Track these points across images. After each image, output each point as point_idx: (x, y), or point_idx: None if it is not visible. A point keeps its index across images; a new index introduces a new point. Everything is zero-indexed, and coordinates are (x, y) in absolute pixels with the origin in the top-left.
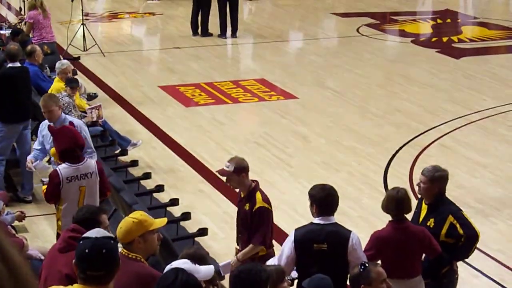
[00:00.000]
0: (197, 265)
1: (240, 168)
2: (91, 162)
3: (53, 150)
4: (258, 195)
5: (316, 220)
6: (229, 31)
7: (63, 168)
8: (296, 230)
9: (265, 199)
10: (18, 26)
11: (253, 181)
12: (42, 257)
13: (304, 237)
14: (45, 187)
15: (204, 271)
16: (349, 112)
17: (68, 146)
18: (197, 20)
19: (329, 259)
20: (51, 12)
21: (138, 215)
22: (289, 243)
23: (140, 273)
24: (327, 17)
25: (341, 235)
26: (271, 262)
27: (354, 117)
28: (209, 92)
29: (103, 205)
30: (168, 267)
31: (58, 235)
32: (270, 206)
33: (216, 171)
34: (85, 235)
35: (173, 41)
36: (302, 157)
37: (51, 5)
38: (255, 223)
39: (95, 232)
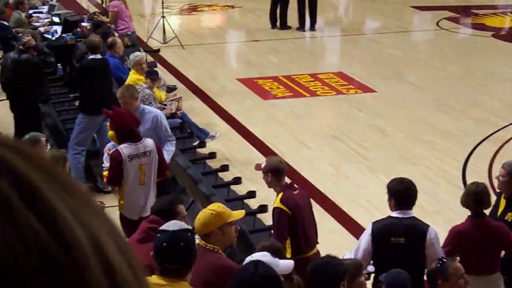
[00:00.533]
0: (276, 258)
1: (268, 169)
2: (149, 140)
3: (111, 132)
4: (279, 196)
5: (394, 214)
6: (307, 24)
7: (124, 148)
8: (373, 223)
9: (284, 200)
10: (99, 18)
11: (287, 184)
12: None
13: (382, 230)
14: (106, 172)
15: (283, 265)
16: (427, 106)
17: (126, 126)
18: (276, 13)
19: (406, 253)
20: (133, 5)
21: (216, 207)
22: (366, 236)
23: (217, 264)
24: (406, 10)
25: (419, 229)
26: (348, 255)
27: (432, 111)
28: (287, 85)
29: (181, 195)
30: (247, 259)
31: (121, 215)
32: (289, 208)
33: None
34: (162, 227)
35: (251, 34)
36: (379, 151)
37: None
38: (273, 224)
39: (172, 225)
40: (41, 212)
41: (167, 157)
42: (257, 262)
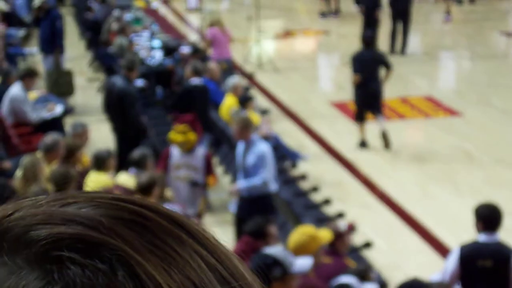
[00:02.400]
0: (364, 283)
1: None
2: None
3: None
4: None
5: (481, 237)
6: (398, 47)
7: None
8: (461, 246)
9: None
10: (198, 44)
11: None
12: None
13: (469, 253)
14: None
15: None
16: None
17: None
18: None
19: (493, 276)
20: (229, 29)
21: (309, 230)
22: (453, 259)
23: (307, 285)
24: (494, 36)
25: (505, 253)
26: (435, 277)
27: None
28: None
29: (271, 216)
30: (335, 281)
31: None
32: None
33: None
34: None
35: (344, 58)
36: (465, 173)
37: (229, 23)
38: None
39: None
40: None
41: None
42: (343, 286)
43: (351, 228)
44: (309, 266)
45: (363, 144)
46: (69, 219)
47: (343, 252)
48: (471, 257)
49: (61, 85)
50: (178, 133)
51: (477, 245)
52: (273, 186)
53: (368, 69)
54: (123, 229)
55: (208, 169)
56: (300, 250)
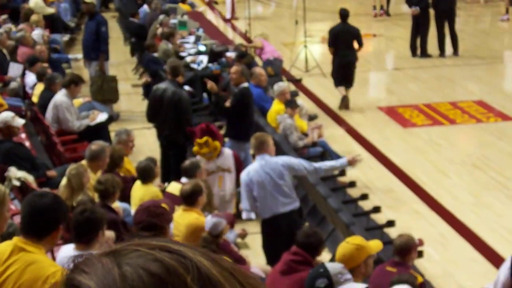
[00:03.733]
0: None
1: None
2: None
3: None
4: None
5: None
6: (449, 51)
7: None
8: None
9: None
10: (244, 49)
11: None
12: (263, 275)
13: None
14: None
15: None
16: None
17: None
18: (416, 41)
19: None
20: (276, 34)
21: (358, 240)
22: (505, 268)
23: None
24: None
25: None
26: (487, 287)
27: None
28: (427, 113)
29: (318, 228)
30: None
31: None
32: None
33: None
34: None
35: (392, 62)
36: None
37: (276, 27)
38: None
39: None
40: None
41: None
42: None
43: (421, 243)
44: None
45: (344, 101)
46: None
47: (408, 265)
48: None
49: (106, 91)
50: (201, 146)
51: None
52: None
53: (343, 42)
54: None
55: (239, 168)
56: (350, 262)
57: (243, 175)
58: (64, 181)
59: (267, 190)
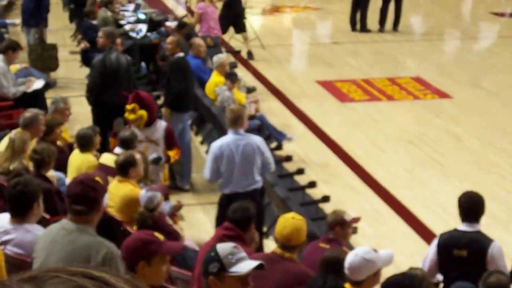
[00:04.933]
0: (377, 251)
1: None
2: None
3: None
4: None
5: (461, 227)
6: (389, 25)
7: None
8: (441, 234)
9: None
10: (184, 19)
11: None
12: (197, 248)
13: (446, 242)
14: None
15: (384, 255)
16: (504, 113)
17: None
18: (356, 16)
19: (469, 266)
20: (217, 4)
21: (298, 216)
22: (433, 246)
23: (295, 271)
24: (486, 17)
25: (481, 244)
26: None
27: (509, 119)
28: (365, 88)
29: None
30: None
31: None
32: None
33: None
34: None
35: (332, 36)
36: (454, 157)
37: None
38: None
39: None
40: None
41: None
42: (327, 276)
43: (356, 221)
44: (393, 256)
45: (250, 54)
46: None
47: (342, 241)
48: (447, 246)
49: (46, 59)
50: (129, 113)
51: (456, 234)
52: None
53: None
54: None
55: (170, 142)
56: (295, 238)
57: (214, 148)
58: (5, 142)
59: (236, 167)
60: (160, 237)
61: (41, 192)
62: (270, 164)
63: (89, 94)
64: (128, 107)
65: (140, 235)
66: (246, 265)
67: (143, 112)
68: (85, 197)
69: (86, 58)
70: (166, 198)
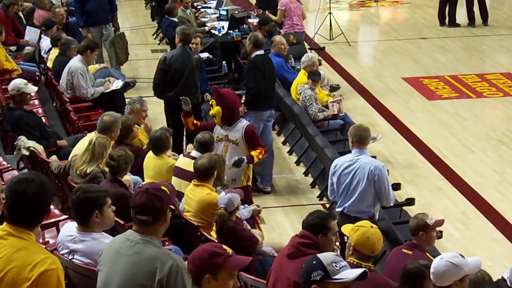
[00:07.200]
0: (466, 258)
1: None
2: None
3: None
4: None
5: None
6: (479, 21)
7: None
8: None
9: None
10: (267, 15)
11: None
12: (275, 254)
13: None
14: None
15: (472, 263)
16: None
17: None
18: (445, 10)
19: None
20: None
21: (374, 224)
22: None
23: (378, 282)
24: None
25: None
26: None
27: None
28: (453, 85)
29: (333, 211)
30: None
31: None
32: None
33: None
34: None
35: (419, 31)
36: None
37: None
38: None
39: None
40: None
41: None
42: None
43: (439, 224)
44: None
45: None
46: None
47: (425, 247)
48: None
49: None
50: (212, 107)
51: None
52: None
53: None
54: None
55: (252, 143)
56: (369, 248)
57: (333, 165)
58: (84, 144)
59: (346, 188)
60: (229, 250)
61: (106, 199)
62: (388, 199)
63: (154, 92)
64: (211, 101)
65: (208, 246)
66: (351, 273)
67: (218, 109)
68: (151, 207)
69: None
70: (242, 202)
